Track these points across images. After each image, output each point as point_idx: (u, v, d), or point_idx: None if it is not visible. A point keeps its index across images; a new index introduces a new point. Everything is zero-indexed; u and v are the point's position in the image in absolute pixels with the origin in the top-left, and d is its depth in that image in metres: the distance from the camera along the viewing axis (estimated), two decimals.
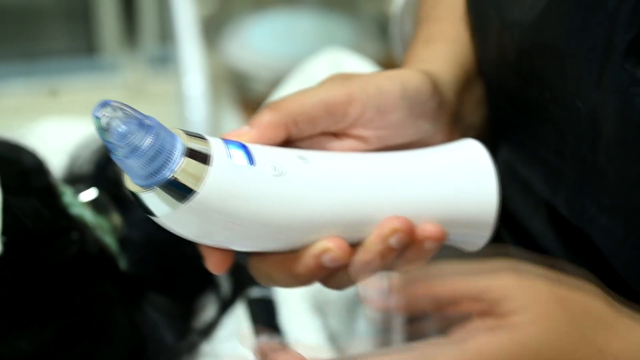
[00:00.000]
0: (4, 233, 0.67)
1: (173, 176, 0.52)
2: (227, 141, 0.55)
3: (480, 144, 0.65)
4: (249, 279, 0.69)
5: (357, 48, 1.62)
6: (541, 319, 0.53)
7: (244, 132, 0.59)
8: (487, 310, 0.53)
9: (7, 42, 2.27)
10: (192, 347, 0.82)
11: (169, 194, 0.52)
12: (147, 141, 0.51)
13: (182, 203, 0.52)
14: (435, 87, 0.65)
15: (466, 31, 0.73)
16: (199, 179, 0.52)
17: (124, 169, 0.52)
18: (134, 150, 0.51)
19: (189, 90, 1.60)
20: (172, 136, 0.52)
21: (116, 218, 0.79)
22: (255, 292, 0.84)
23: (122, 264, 0.79)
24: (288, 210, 0.55)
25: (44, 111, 2.07)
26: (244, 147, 0.55)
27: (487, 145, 0.65)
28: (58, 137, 0.94)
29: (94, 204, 0.78)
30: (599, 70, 0.59)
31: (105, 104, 0.50)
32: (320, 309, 0.84)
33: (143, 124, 0.51)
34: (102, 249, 0.77)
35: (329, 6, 2.12)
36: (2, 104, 2.13)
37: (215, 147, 0.53)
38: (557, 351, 0.53)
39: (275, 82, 1.23)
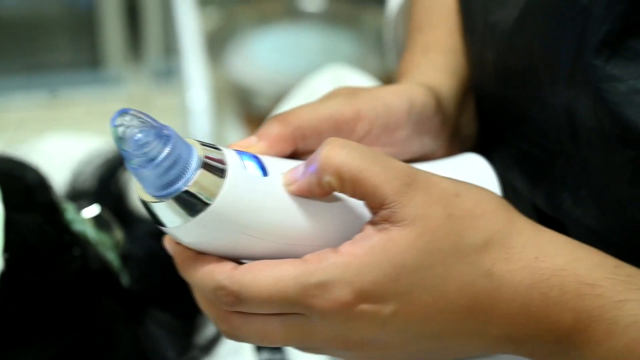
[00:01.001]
0: (6, 249, 0.67)
1: (188, 188, 0.51)
2: (240, 152, 0.55)
3: (483, 157, 0.65)
4: None
5: (360, 63, 1.63)
6: (424, 235, 0.53)
7: (251, 143, 0.59)
8: (382, 213, 0.53)
9: (12, 54, 2.28)
10: None
11: (183, 205, 0.51)
12: (165, 152, 0.50)
13: (195, 216, 0.52)
14: (439, 103, 0.66)
15: (460, 40, 0.74)
16: (213, 192, 0.51)
17: (137, 178, 0.52)
18: (151, 160, 0.50)
19: (193, 104, 1.60)
20: (188, 147, 0.52)
21: (119, 234, 0.79)
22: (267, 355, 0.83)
23: (125, 280, 0.79)
24: (299, 220, 0.55)
25: (49, 124, 2.08)
26: (256, 159, 0.55)
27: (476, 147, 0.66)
28: (61, 153, 0.94)
29: (96, 220, 0.78)
30: (571, 65, 0.59)
31: (123, 112, 0.50)
32: None
33: (161, 134, 0.50)
34: (105, 265, 0.77)
35: (333, 21, 2.12)
36: (7, 116, 2.14)
37: (229, 159, 0.53)
38: (434, 270, 0.53)
39: (279, 96, 1.23)
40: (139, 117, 0.50)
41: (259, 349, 0.79)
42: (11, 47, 2.27)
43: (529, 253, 0.54)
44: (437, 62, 0.71)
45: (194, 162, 0.51)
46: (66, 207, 0.77)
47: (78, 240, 0.74)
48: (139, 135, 0.50)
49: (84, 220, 0.77)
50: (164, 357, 0.79)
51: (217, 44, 1.97)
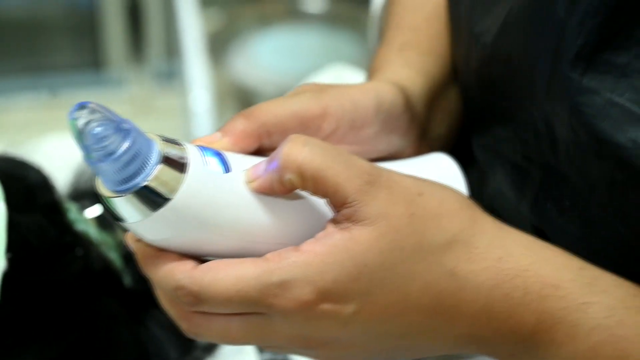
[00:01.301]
0: (9, 250, 0.67)
1: (147, 183, 0.50)
2: (203, 148, 0.54)
3: (450, 157, 0.65)
4: None
5: (362, 64, 1.62)
6: (387, 234, 0.52)
7: (216, 139, 0.58)
8: (344, 212, 0.53)
9: (13, 56, 2.28)
10: None
11: (142, 201, 0.51)
12: (124, 146, 0.49)
13: (155, 210, 0.51)
14: (408, 102, 0.65)
15: (442, 45, 0.73)
16: (173, 187, 0.51)
17: (96, 172, 0.51)
18: (109, 154, 0.49)
19: (195, 105, 1.60)
20: (149, 142, 0.51)
21: (121, 234, 0.79)
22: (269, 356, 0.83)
23: (127, 280, 0.79)
24: (262, 218, 0.54)
25: (50, 124, 2.08)
26: (219, 155, 0.54)
27: (462, 153, 0.65)
28: (63, 153, 0.94)
29: (98, 220, 0.78)
30: (548, 78, 0.59)
31: (82, 105, 0.49)
32: None
33: (120, 127, 0.49)
34: (107, 265, 0.77)
35: (334, 22, 2.12)
36: (8, 117, 2.14)
37: (191, 154, 0.52)
38: (397, 269, 0.53)
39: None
40: (98, 111, 0.49)
41: (262, 349, 0.79)
42: (13, 48, 2.27)
43: (493, 253, 0.54)
44: (411, 61, 0.70)
45: (154, 157, 0.51)
46: (68, 207, 0.77)
47: (80, 241, 0.74)
48: (98, 129, 0.49)
49: (86, 220, 0.77)
50: (166, 358, 0.79)
51: (219, 46, 1.97)
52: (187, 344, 0.81)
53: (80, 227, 0.76)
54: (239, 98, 2.00)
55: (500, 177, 0.66)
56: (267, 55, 2.03)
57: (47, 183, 0.77)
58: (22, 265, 0.68)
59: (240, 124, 0.59)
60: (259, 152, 0.59)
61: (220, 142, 0.58)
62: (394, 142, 0.65)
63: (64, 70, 2.28)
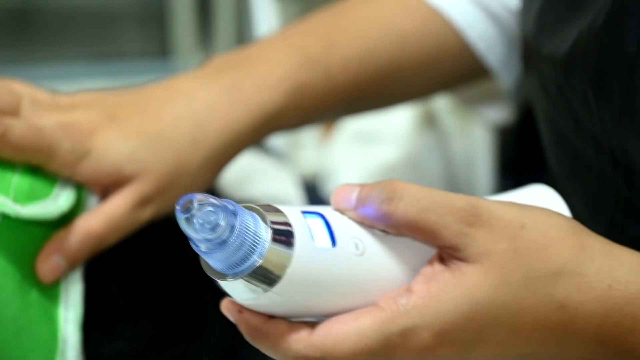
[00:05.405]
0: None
1: (258, 266, 0.49)
2: (304, 212, 0.53)
3: (552, 190, 0.63)
4: None
5: None
6: (492, 270, 0.52)
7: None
8: (448, 251, 0.52)
9: (82, 43, 2.30)
10: None
11: (252, 282, 0.50)
12: (234, 232, 0.48)
13: (267, 290, 0.50)
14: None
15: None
16: (283, 266, 0.50)
17: (206, 259, 0.50)
18: (221, 243, 0.48)
19: None
20: (254, 219, 0.50)
21: None
22: None
23: None
24: (372, 273, 0.54)
25: None
26: (322, 218, 0.53)
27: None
28: None
29: None
30: (619, 109, 0.59)
31: (188, 199, 0.48)
32: None
33: (228, 214, 0.48)
34: None
35: None
36: None
37: (295, 224, 0.51)
38: (507, 307, 0.52)
39: None
40: (207, 203, 0.48)
41: None
42: (82, 37, 2.30)
43: (602, 281, 0.53)
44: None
45: (263, 237, 0.49)
46: None
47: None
48: (207, 219, 0.48)
49: None
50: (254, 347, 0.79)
51: None
52: None
53: None
54: None
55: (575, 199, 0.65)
56: None
57: None
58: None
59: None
60: None
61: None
62: None
63: (133, 57, 2.30)
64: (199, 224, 0.47)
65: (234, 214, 0.48)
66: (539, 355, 0.54)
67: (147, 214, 0.69)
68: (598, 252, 0.54)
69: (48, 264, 0.65)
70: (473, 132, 1.08)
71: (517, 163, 0.95)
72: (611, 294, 0.53)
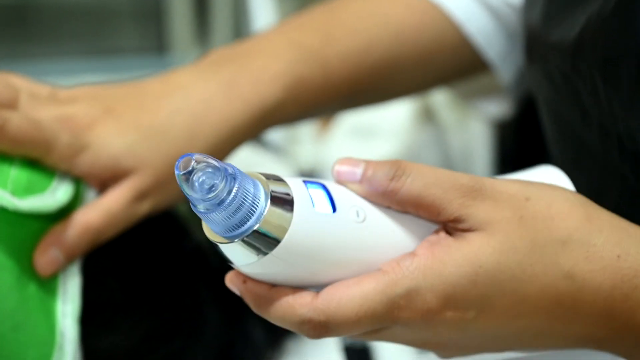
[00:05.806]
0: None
1: (258, 228, 0.50)
2: (306, 182, 0.53)
3: (559, 169, 0.63)
4: None
5: None
6: (496, 235, 0.52)
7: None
8: (452, 224, 0.53)
9: (80, 39, 2.29)
10: (279, 345, 0.81)
11: (253, 244, 0.50)
12: (232, 193, 0.48)
13: (267, 253, 0.50)
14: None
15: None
16: (283, 229, 0.50)
17: (205, 220, 0.50)
18: (219, 203, 0.48)
19: None
20: (254, 184, 0.50)
21: None
22: (350, 340, 0.83)
23: (214, 261, 0.79)
24: (374, 239, 0.54)
25: None
26: (324, 187, 0.53)
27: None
28: None
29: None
30: (629, 94, 0.58)
31: (187, 157, 0.48)
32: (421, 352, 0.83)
33: (227, 175, 0.48)
34: (197, 245, 0.77)
35: None
36: None
37: (296, 191, 0.51)
38: (512, 272, 0.52)
39: None
40: (202, 161, 0.48)
41: None
42: (79, 32, 2.29)
43: (611, 252, 0.53)
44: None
45: (262, 200, 0.50)
46: None
47: (180, 219, 0.75)
48: (205, 179, 0.48)
49: None
50: (250, 339, 0.79)
51: None
52: (271, 326, 0.80)
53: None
54: None
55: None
56: None
57: None
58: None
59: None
60: None
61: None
62: None
63: (129, 53, 2.29)
64: (197, 183, 0.48)
65: (234, 176, 0.49)
66: (541, 335, 0.54)
67: (144, 207, 0.69)
68: (606, 224, 0.54)
69: (46, 257, 0.65)
70: (471, 127, 1.08)
71: (515, 157, 0.95)
72: (620, 264, 0.53)
